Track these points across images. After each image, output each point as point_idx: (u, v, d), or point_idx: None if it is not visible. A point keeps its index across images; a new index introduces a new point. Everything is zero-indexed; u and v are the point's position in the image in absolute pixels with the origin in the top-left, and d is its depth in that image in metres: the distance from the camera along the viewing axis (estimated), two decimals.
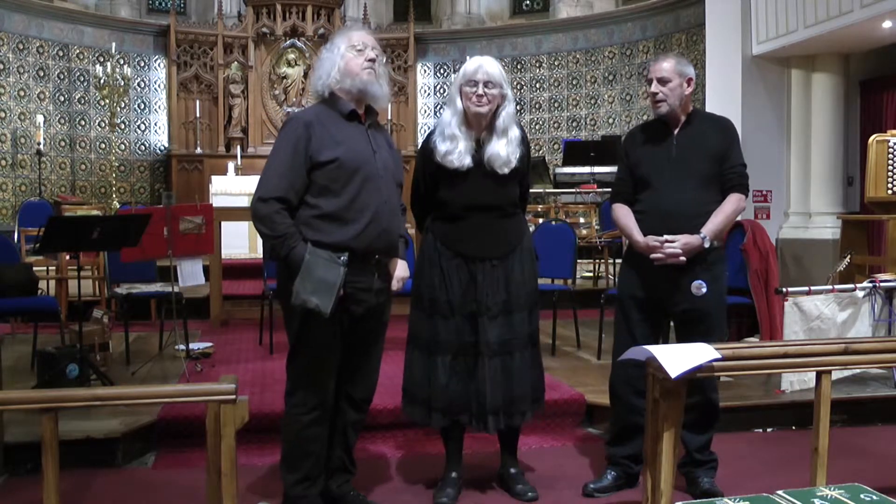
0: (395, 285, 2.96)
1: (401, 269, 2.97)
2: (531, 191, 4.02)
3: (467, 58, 3.44)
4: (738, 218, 6.10)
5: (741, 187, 3.17)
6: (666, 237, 3.05)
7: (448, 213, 3.09)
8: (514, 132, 3.09)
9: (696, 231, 3.06)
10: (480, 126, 3.07)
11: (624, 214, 3.24)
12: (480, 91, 3.00)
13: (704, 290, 3.06)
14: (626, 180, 3.28)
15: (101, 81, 10.78)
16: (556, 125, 12.67)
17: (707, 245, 3.07)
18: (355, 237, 2.77)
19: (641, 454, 3.23)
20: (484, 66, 3.02)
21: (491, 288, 3.04)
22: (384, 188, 2.85)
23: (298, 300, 2.69)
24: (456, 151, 3.02)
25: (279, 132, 2.88)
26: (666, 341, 3.30)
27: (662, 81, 3.13)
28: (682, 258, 3.05)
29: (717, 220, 3.10)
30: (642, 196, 3.21)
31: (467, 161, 3.02)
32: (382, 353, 3.07)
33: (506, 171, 3.04)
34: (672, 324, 3.32)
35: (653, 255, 3.07)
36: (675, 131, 3.19)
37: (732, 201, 3.15)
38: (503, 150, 3.03)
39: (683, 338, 3.14)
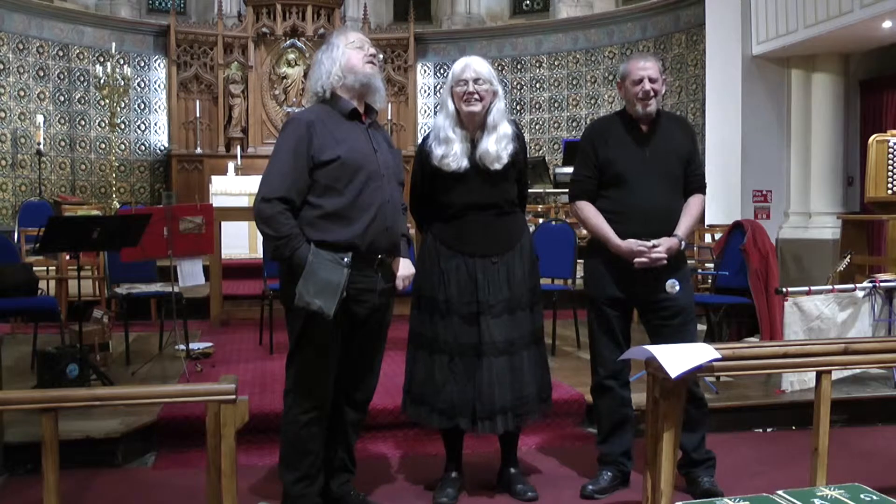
0: (399, 284, 2.95)
1: (405, 268, 2.96)
2: (531, 191, 4.01)
3: None
4: (739, 217, 6.11)
5: (702, 188, 3.28)
6: (653, 242, 3.07)
7: (446, 214, 3.09)
8: (505, 128, 3.07)
9: (669, 232, 3.12)
10: (474, 125, 3.06)
11: (594, 214, 3.21)
12: (471, 89, 2.99)
13: (678, 288, 3.13)
14: (593, 177, 3.23)
15: (101, 81, 10.80)
16: (556, 125, 12.67)
17: (682, 246, 3.16)
18: (359, 235, 2.76)
19: (631, 449, 3.27)
20: (471, 64, 3.03)
21: (492, 286, 3.03)
22: (386, 186, 2.84)
23: (302, 302, 2.67)
24: (452, 154, 3.01)
25: (280, 132, 2.87)
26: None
27: (653, 80, 3.13)
28: (664, 261, 3.10)
29: (688, 222, 3.19)
30: (612, 194, 3.19)
31: (465, 163, 3.02)
32: (383, 355, 3.06)
33: (497, 167, 3.03)
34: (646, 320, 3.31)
35: (637, 260, 3.08)
36: (646, 129, 3.19)
37: (698, 203, 3.24)
38: (493, 146, 3.02)
39: (659, 333, 3.17)
